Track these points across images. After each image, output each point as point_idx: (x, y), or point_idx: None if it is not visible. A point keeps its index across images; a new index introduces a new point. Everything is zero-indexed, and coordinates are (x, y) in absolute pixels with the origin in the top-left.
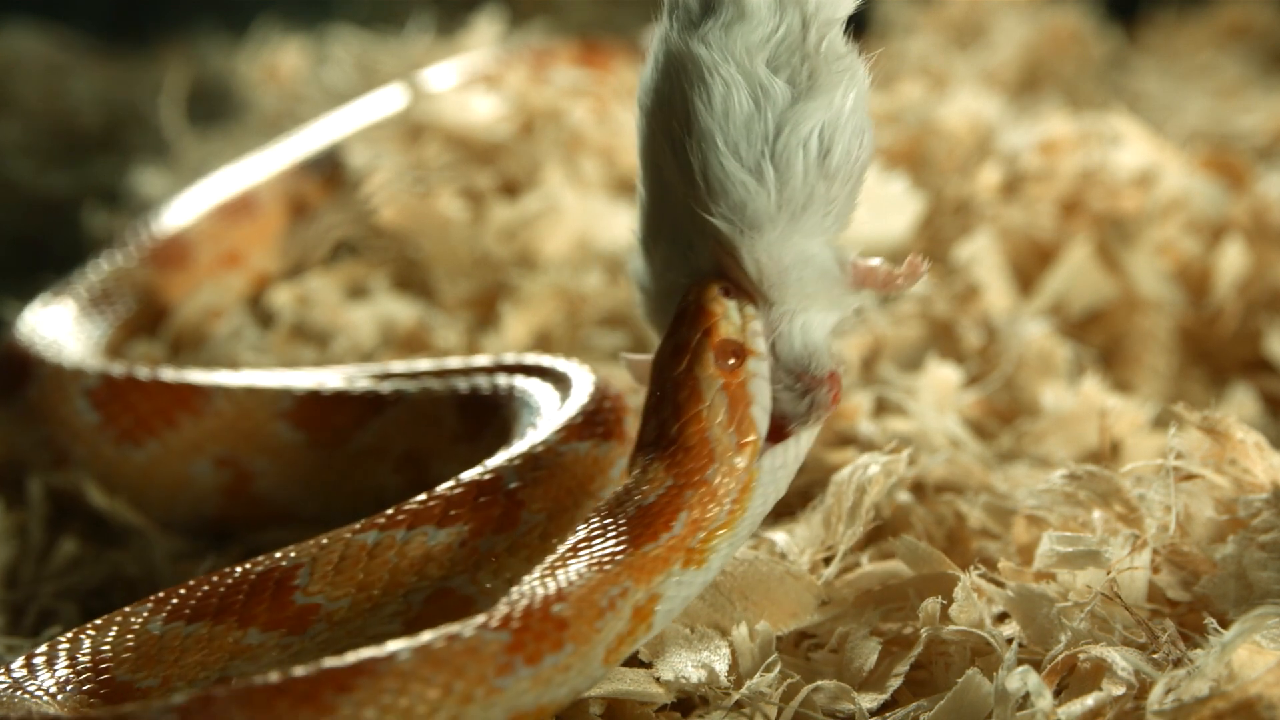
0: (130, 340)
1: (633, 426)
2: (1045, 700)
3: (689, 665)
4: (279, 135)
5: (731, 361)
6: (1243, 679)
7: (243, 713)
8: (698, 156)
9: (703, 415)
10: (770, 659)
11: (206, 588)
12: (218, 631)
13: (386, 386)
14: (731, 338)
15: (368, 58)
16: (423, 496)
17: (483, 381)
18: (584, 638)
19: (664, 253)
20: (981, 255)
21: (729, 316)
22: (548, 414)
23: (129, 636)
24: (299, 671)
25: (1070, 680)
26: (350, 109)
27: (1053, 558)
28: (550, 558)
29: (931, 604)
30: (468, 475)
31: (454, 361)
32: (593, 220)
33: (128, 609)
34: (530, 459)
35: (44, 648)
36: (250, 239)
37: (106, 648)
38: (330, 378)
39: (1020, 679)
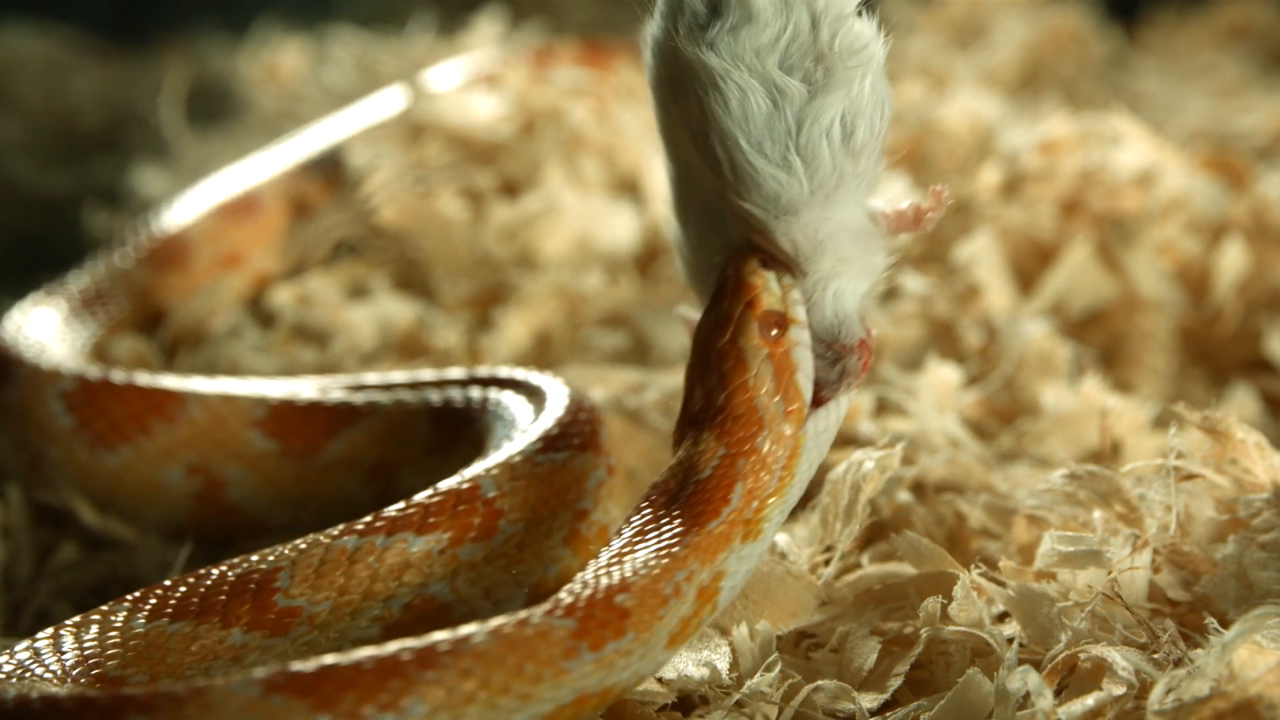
0: (129, 340)
1: (607, 439)
2: (1046, 700)
3: (690, 664)
4: (279, 135)
5: (774, 331)
6: (1243, 679)
7: (333, 686)
8: (723, 153)
9: (749, 384)
10: (771, 658)
11: (184, 588)
12: (201, 631)
13: (360, 398)
14: (773, 308)
15: (368, 58)
16: (401, 504)
17: (456, 394)
18: (645, 625)
19: (697, 226)
20: (982, 255)
21: (769, 288)
22: (523, 426)
23: (112, 633)
24: (388, 649)
25: (1071, 680)
26: (352, 109)
27: (1053, 557)
28: (617, 542)
29: (932, 603)
30: (446, 484)
31: (427, 374)
32: (593, 220)
33: (105, 607)
34: (508, 469)
35: (24, 644)
36: (251, 239)
37: (92, 643)
38: (304, 388)
39: (1021, 679)
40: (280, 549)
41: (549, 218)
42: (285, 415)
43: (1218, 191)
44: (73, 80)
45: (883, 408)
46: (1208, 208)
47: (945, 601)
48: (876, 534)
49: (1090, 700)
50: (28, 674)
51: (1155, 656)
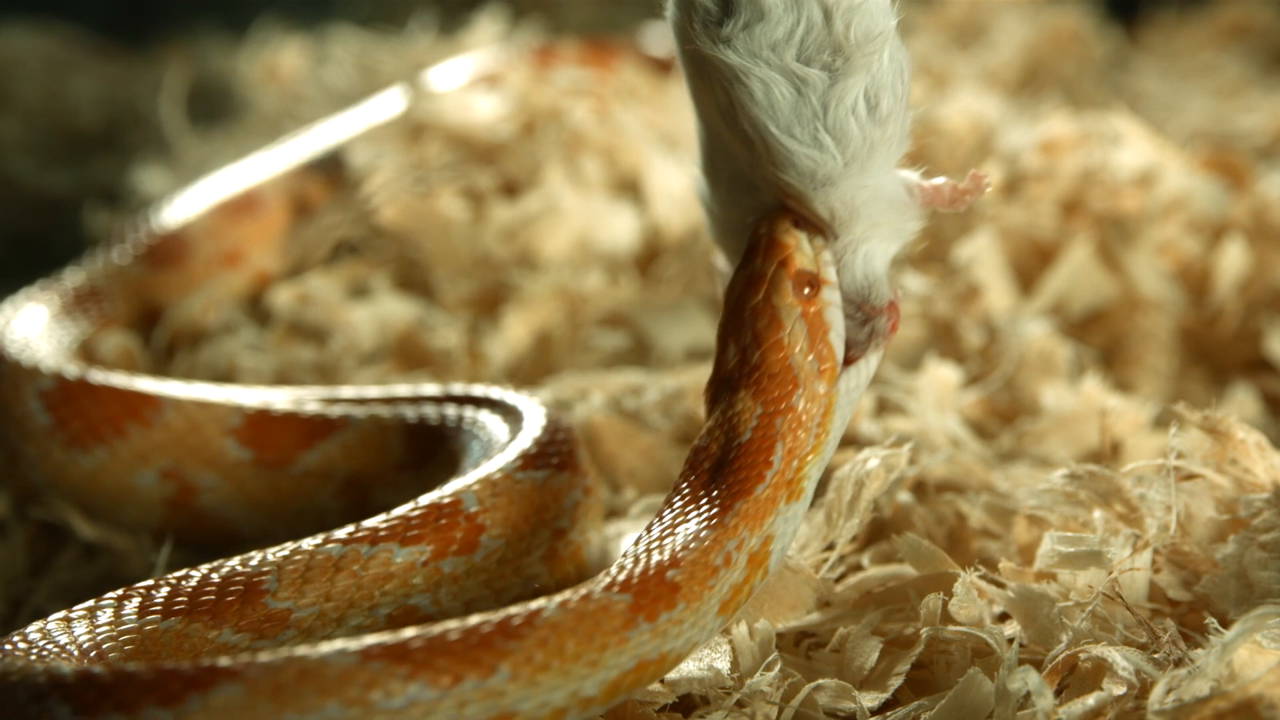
0: (118, 338)
1: (585, 460)
2: (1046, 700)
3: (690, 664)
4: (279, 135)
5: (807, 290)
6: (1244, 679)
7: (427, 654)
8: (754, 135)
9: (784, 342)
10: (771, 658)
11: (167, 588)
12: (193, 629)
13: (336, 410)
14: (806, 268)
15: (368, 58)
16: (382, 516)
17: (431, 411)
18: (695, 596)
19: (727, 187)
20: (982, 255)
21: (802, 248)
22: (501, 444)
23: (103, 628)
24: (468, 621)
25: (1071, 680)
26: (354, 109)
27: (1054, 558)
28: (668, 512)
29: (933, 599)
30: (427, 498)
31: (403, 389)
32: (593, 220)
33: (90, 603)
34: (489, 484)
35: (17, 634)
36: (252, 238)
37: (85, 635)
38: (280, 398)
39: (1021, 678)
40: (263, 553)
41: (549, 218)
42: (261, 425)
43: (1218, 191)
44: (73, 79)
45: (883, 408)
46: (1208, 208)
47: (947, 597)
48: (877, 533)
49: (1091, 700)
50: (48, 654)
51: (1156, 656)
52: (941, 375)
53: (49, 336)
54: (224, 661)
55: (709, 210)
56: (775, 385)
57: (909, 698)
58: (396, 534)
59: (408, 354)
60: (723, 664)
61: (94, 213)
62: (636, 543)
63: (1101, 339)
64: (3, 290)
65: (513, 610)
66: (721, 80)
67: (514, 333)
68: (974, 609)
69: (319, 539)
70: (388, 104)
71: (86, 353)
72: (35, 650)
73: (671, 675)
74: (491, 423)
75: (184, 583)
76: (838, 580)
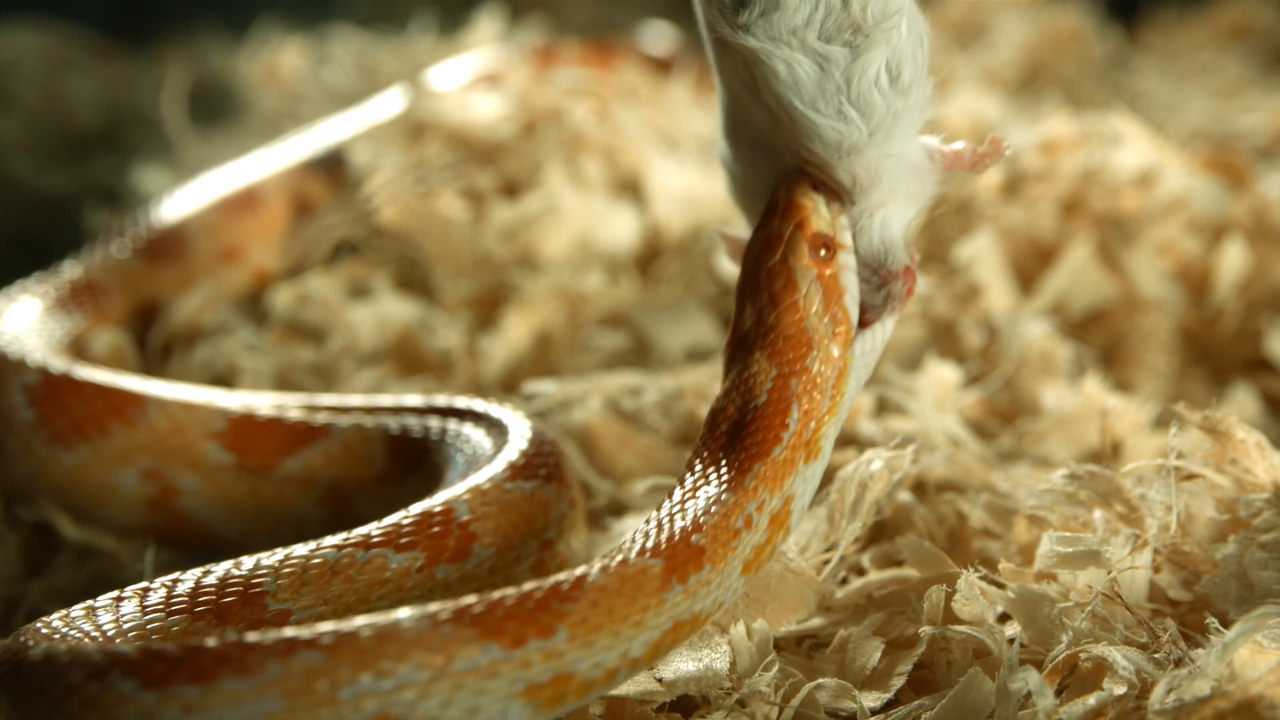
0: (110, 335)
1: (570, 472)
2: (1047, 700)
3: (689, 664)
4: (279, 135)
5: (823, 253)
6: (1244, 678)
7: (491, 617)
8: (780, 109)
9: (799, 304)
10: (769, 658)
11: (164, 590)
12: (198, 628)
13: (320, 417)
14: (822, 230)
15: (368, 58)
16: (374, 524)
17: (413, 422)
18: (720, 558)
19: (748, 150)
20: (982, 255)
21: (819, 210)
22: (487, 455)
23: (109, 626)
24: (524, 587)
25: (1072, 680)
26: (359, 108)
27: (1054, 558)
28: (690, 476)
29: (935, 593)
30: (418, 506)
31: (385, 399)
32: (593, 220)
33: (89, 603)
34: (478, 493)
35: (39, 622)
36: (251, 234)
37: (110, 627)
38: (265, 402)
39: (1022, 678)
40: (258, 557)
41: (550, 218)
42: (244, 429)
43: (1218, 191)
44: (73, 79)
45: (883, 407)
46: (1208, 208)
47: (950, 591)
48: (878, 533)
49: (1091, 700)
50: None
51: (1156, 656)
52: (941, 375)
53: (40, 330)
54: (300, 632)
55: (730, 173)
56: (790, 347)
57: (910, 697)
58: (390, 541)
59: (407, 355)
60: (722, 664)
61: (94, 213)
62: (659, 507)
63: (1101, 339)
64: (3, 290)
65: (557, 576)
66: (744, 59)
67: (514, 333)
68: (977, 607)
69: (312, 544)
70: (388, 103)
71: (79, 347)
72: (69, 634)
73: (670, 676)
74: (476, 436)
75: (178, 586)
76: (840, 583)
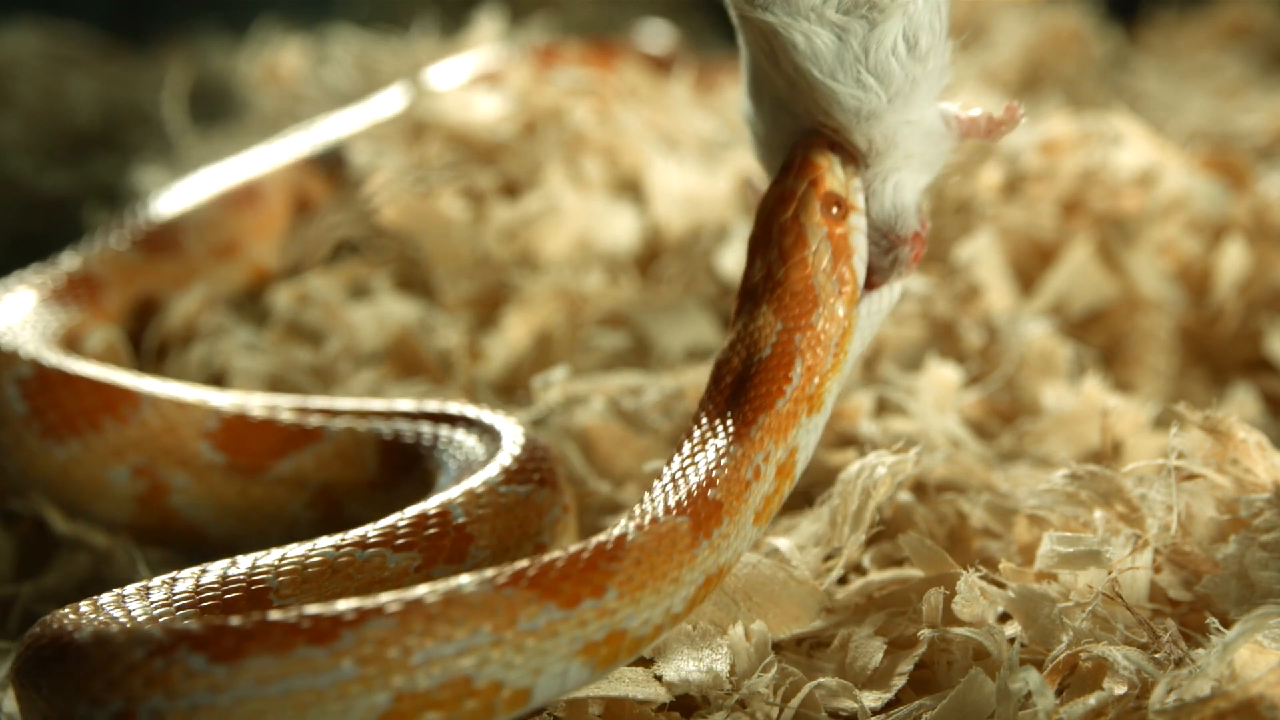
0: (104, 332)
1: (563, 477)
2: (1047, 699)
3: (689, 664)
4: (279, 135)
5: (835, 211)
6: (1244, 678)
7: (546, 579)
8: (799, 77)
9: (808, 260)
10: (767, 660)
11: (161, 590)
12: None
13: (313, 421)
14: (835, 190)
15: (368, 58)
16: (369, 526)
17: (405, 427)
18: (735, 511)
19: (770, 109)
20: (982, 255)
21: (834, 170)
22: (480, 461)
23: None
24: (569, 550)
25: (1072, 680)
26: (357, 107)
27: (1054, 558)
28: (698, 430)
29: (934, 594)
30: (414, 509)
31: (377, 404)
32: (593, 220)
33: (91, 600)
34: (473, 496)
35: (85, 601)
36: (250, 229)
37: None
38: (258, 403)
39: (1022, 678)
40: (255, 556)
41: (550, 218)
42: (236, 430)
43: (1218, 191)
44: (73, 78)
45: (883, 407)
46: (1208, 208)
47: (949, 592)
48: (878, 533)
49: (1092, 700)
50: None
51: (1157, 656)
52: (942, 375)
53: (35, 322)
54: (367, 602)
55: (753, 131)
56: (796, 303)
57: (910, 697)
58: (387, 542)
59: (406, 356)
60: (723, 665)
61: (94, 212)
62: (669, 461)
63: (1101, 339)
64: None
65: (596, 538)
66: (763, 31)
67: (514, 333)
68: (977, 608)
69: (309, 545)
70: (388, 103)
71: (74, 341)
72: (114, 614)
73: (670, 676)
74: (468, 442)
75: (178, 584)
76: (840, 582)
